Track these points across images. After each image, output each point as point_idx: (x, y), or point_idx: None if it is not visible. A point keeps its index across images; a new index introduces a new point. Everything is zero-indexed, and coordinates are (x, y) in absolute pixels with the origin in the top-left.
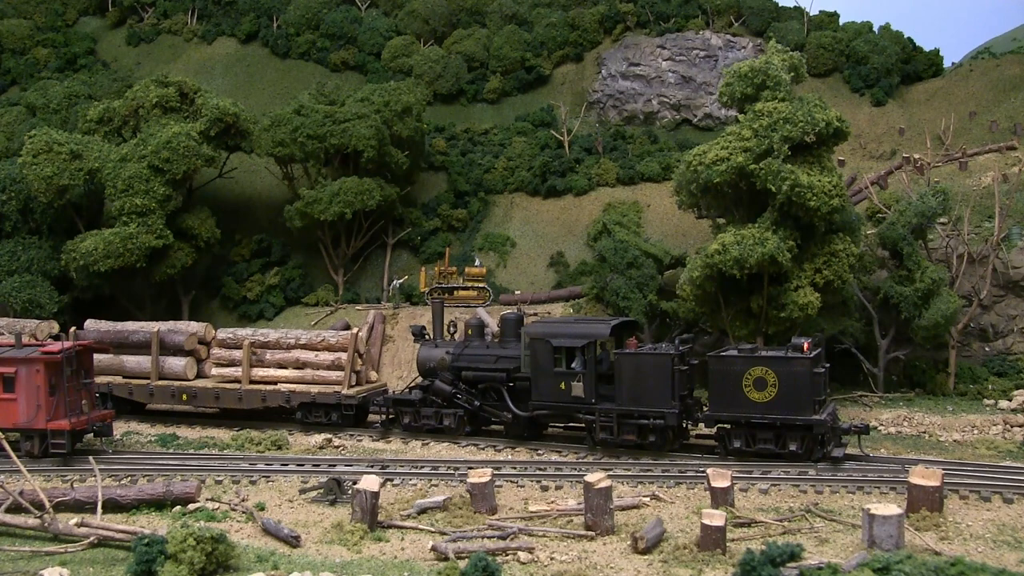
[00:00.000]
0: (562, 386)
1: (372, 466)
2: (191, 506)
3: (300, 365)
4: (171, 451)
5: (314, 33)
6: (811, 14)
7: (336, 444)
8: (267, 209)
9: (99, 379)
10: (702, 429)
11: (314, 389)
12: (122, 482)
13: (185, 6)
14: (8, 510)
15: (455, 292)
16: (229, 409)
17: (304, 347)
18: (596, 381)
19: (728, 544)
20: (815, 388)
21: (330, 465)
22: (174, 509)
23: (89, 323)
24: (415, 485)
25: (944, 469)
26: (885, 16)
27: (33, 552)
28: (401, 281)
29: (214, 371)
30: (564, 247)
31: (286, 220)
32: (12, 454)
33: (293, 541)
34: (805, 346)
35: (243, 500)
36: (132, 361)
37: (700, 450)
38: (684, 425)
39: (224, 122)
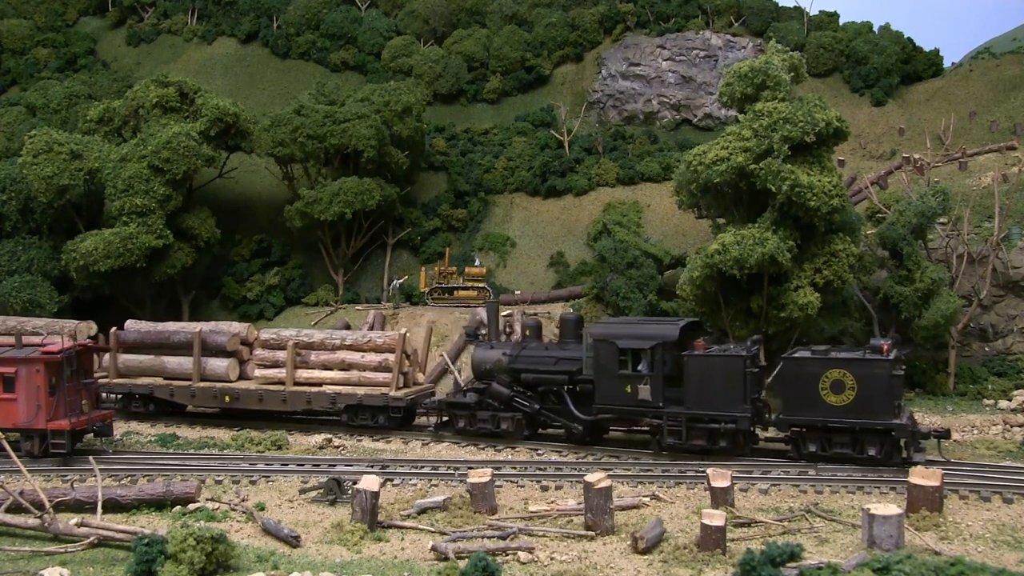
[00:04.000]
0: (628, 389)
1: (372, 466)
2: (191, 506)
3: (346, 366)
4: (171, 451)
5: (314, 33)
6: (811, 14)
7: (336, 444)
8: (267, 209)
9: (140, 380)
10: (769, 432)
11: (360, 391)
12: (122, 482)
13: (185, 6)
14: (8, 510)
15: (455, 292)
16: (273, 411)
17: (350, 348)
18: (663, 384)
19: (728, 544)
20: (895, 391)
21: (330, 465)
22: (174, 509)
23: (129, 323)
24: (415, 485)
25: (944, 469)
26: (885, 16)
27: (33, 552)
28: (401, 281)
29: (257, 372)
30: (564, 247)
31: (286, 220)
32: (12, 454)
33: (293, 541)
34: (884, 347)
35: (243, 500)
36: (173, 362)
37: (769, 454)
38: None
39: (224, 122)
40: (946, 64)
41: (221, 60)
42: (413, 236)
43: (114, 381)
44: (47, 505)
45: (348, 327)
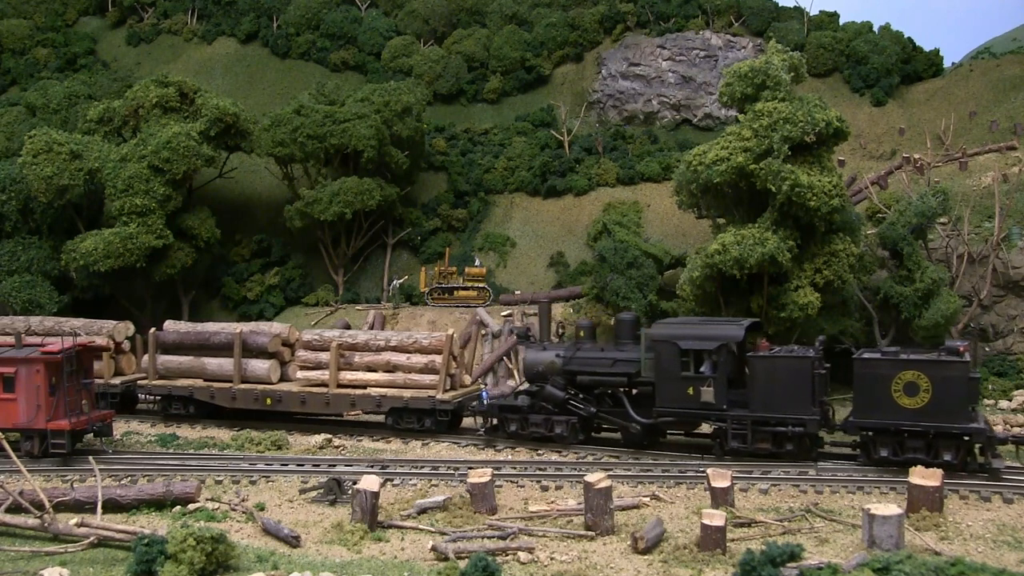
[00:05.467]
0: (690, 391)
1: (372, 466)
2: (191, 506)
3: (391, 368)
4: (171, 451)
5: (314, 33)
6: (811, 14)
7: (336, 444)
8: (267, 209)
9: (180, 382)
10: (834, 436)
11: (406, 393)
12: (122, 482)
13: (185, 6)
14: (8, 510)
15: (455, 292)
16: (311, 413)
17: (395, 349)
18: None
19: (728, 544)
20: (971, 394)
21: (330, 465)
22: (174, 509)
23: (168, 324)
24: (415, 485)
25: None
26: (885, 16)
27: (33, 552)
28: (401, 281)
29: (299, 374)
30: (564, 247)
31: (286, 220)
32: (12, 454)
33: (293, 541)
34: (961, 348)
35: (243, 500)
36: (213, 364)
37: (834, 459)
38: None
39: (224, 122)
40: (946, 64)
41: (221, 60)
42: (413, 236)
43: (153, 383)
44: (47, 505)
45: (348, 327)
